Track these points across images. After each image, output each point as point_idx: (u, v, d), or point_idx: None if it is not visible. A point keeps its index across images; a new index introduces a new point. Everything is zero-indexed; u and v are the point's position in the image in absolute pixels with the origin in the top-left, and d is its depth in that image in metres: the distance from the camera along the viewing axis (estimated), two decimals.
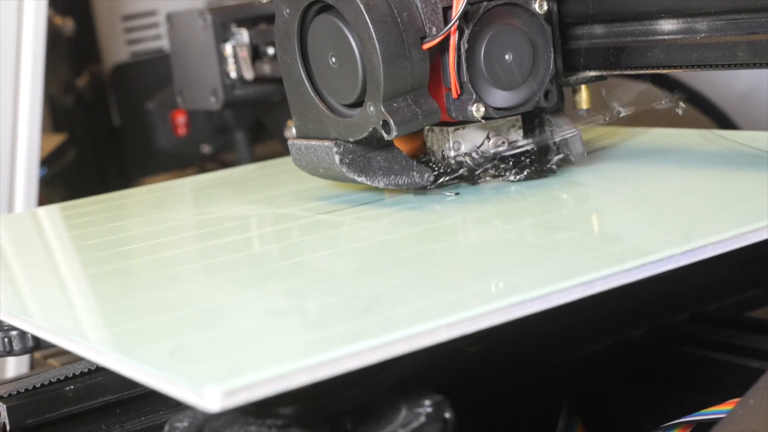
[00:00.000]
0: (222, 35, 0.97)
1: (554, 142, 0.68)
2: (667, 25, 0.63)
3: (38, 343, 0.65)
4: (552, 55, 0.65)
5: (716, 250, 0.48)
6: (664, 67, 0.63)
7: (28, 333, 0.65)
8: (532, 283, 0.45)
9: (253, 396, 0.38)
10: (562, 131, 0.68)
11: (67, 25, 1.34)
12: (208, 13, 0.97)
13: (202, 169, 1.28)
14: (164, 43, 1.33)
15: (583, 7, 0.67)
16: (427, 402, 0.46)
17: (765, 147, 0.65)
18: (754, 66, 0.59)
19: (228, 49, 0.97)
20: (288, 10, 0.66)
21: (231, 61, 0.97)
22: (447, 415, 0.45)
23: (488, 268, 0.50)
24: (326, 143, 0.66)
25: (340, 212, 0.65)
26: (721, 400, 0.53)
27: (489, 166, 0.67)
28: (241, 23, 0.96)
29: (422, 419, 0.44)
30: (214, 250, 0.61)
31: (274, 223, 0.67)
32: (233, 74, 0.97)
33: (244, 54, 0.95)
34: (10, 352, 0.65)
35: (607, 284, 0.46)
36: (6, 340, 0.65)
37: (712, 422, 0.48)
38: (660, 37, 0.63)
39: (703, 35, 0.61)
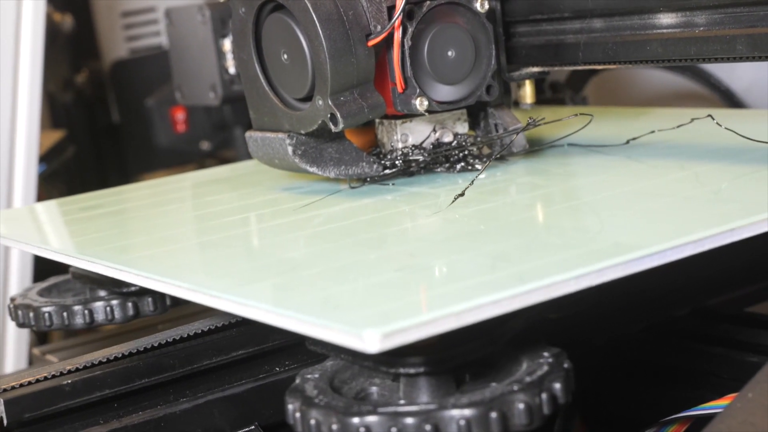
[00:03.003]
0: (221, 31, 0.97)
1: (497, 133, 0.71)
2: (666, 19, 0.63)
3: (138, 312, 0.67)
4: (493, 51, 0.68)
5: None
6: (662, 61, 0.63)
7: (128, 302, 0.68)
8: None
9: (407, 339, 0.41)
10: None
11: (66, 21, 1.34)
12: (207, 9, 0.97)
13: (202, 166, 1.28)
14: (163, 40, 1.33)
15: (581, 1, 0.67)
16: (547, 353, 0.48)
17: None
18: (753, 59, 0.59)
19: (227, 44, 0.97)
20: (243, 9, 0.69)
21: (230, 56, 0.97)
22: (566, 365, 0.47)
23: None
24: (280, 135, 0.69)
25: (433, 187, 0.67)
26: (721, 394, 0.53)
27: (421, 158, 0.70)
28: None
29: (545, 368, 0.46)
30: (317, 220, 0.63)
31: (366, 197, 0.67)
32: (232, 70, 0.97)
33: None
34: (111, 321, 0.67)
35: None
36: (108, 308, 0.67)
37: (711, 417, 0.48)
38: (658, 30, 0.63)
39: (701, 29, 0.61)
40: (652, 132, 0.71)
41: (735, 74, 1.07)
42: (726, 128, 0.66)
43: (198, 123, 1.29)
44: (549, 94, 1.05)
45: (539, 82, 1.04)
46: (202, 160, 1.33)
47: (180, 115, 1.29)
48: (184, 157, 1.35)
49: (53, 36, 1.27)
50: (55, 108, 1.36)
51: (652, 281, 0.65)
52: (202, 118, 1.28)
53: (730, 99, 1.07)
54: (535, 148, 0.74)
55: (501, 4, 0.71)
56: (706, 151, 0.67)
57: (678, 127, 0.70)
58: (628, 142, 0.71)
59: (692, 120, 0.69)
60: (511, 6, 0.72)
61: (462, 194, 0.61)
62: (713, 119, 0.67)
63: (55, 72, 1.33)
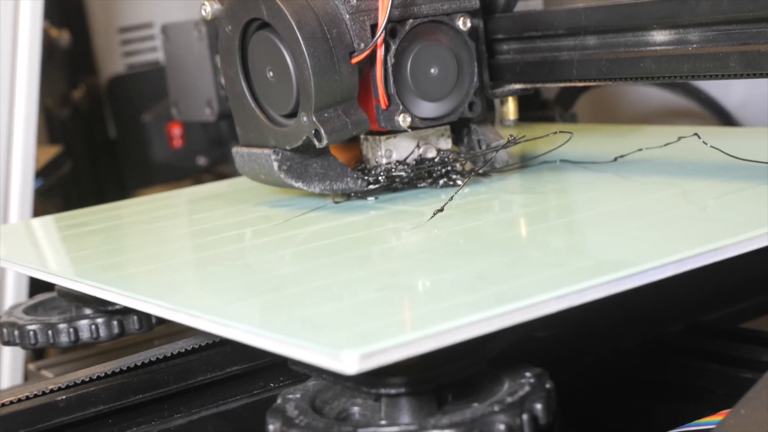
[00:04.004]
0: (217, 47, 0.97)
1: (480, 149, 0.72)
2: (659, 36, 0.63)
3: (123, 331, 0.68)
4: (476, 69, 0.69)
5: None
6: (656, 78, 0.64)
7: (113, 320, 0.68)
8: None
9: (386, 360, 0.41)
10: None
11: (63, 37, 1.35)
12: (203, 25, 0.98)
13: (198, 181, 1.28)
14: (160, 56, 1.33)
15: (575, 18, 0.67)
16: (528, 374, 0.48)
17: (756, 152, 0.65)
18: (745, 76, 0.59)
19: None
20: (230, 27, 0.70)
21: None
22: (548, 385, 0.47)
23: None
24: (266, 151, 0.70)
25: (417, 204, 0.67)
26: (715, 410, 0.53)
27: (404, 174, 0.70)
28: None
29: (527, 389, 0.46)
30: (304, 238, 0.63)
31: (351, 213, 0.68)
32: None
33: None
34: (96, 339, 0.67)
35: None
36: (93, 327, 0.68)
37: None
38: (652, 48, 0.64)
39: (694, 46, 0.61)
40: (640, 150, 0.72)
41: (728, 91, 1.08)
42: (711, 146, 0.66)
43: (194, 139, 1.29)
44: (538, 111, 1.05)
45: (530, 99, 1.04)
46: (198, 176, 1.33)
47: (176, 131, 1.29)
48: (180, 172, 1.35)
49: (50, 51, 1.28)
50: (52, 123, 1.37)
51: (646, 297, 0.65)
52: (199, 133, 1.28)
53: (723, 116, 1.08)
54: (516, 164, 0.74)
55: (484, 23, 0.72)
56: (694, 169, 0.67)
57: (665, 145, 0.70)
58: (615, 159, 0.71)
59: (679, 138, 0.69)
60: (500, 24, 0.72)
61: (441, 210, 0.62)
62: (699, 137, 0.67)
63: (52, 87, 1.33)
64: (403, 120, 0.67)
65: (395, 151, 0.71)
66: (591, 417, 0.67)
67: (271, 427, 0.47)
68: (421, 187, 0.71)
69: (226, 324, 0.47)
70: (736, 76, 0.60)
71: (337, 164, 0.69)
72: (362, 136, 0.72)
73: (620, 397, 0.67)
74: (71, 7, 1.39)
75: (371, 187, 0.70)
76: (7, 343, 0.71)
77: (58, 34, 1.34)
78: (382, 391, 0.46)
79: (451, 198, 0.64)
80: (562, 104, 1.07)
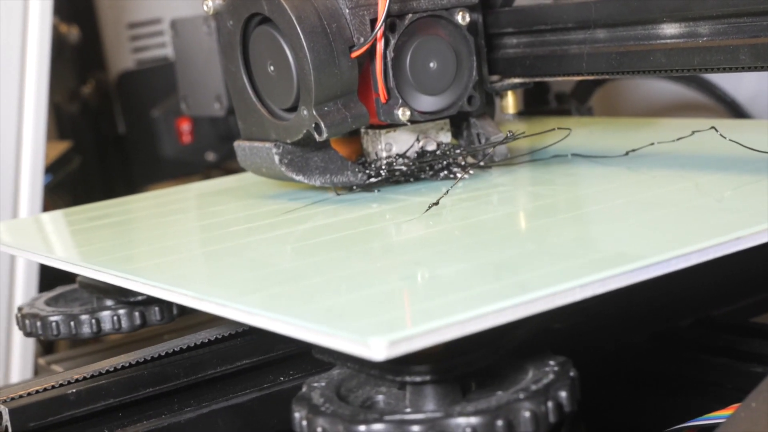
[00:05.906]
0: None
1: (479, 142, 0.72)
2: (669, 29, 0.63)
3: (145, 322, 0.68)
4: (474, 63, 0.70)
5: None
6: (666, 71, 0.64)
7: (135, 311, 0.69)
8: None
9: (414, 347, 0.41)
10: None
11: (73, 32, 1.35)
12: (212, 20, 0.98)
13: (207, 177, 1.28)
14: (169, 51, 1.33)
15: (585, 11, 0.67)
16: (552, 362, 0.48)
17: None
18: (756, 69, 0.59)
19: None
20: (231, 22, 0.71)
21: None
22: (572, 373, 0.47)
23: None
24: (267, 144, 0.71)
25: (426, 196, 0.67)
26: (725, 404, 0.52)
27: (405, 166, 0.71)
28: None
29: (551, 376, 0.47)
30: (312, 232, 0.64)
31: (357, 208, 0.68)
32: None
33: None
34: (118, 330, 0.68)
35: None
36: (115, 318, 0.68)
37: (715, 427, 0.48)
38: (662, 41, 0.63)
39: (705, 39, 0.61)
40: (652, 144, 0.71)
41: (740, 84, 1.08)
42: (730, 140, 0.66)
43: (203, 134, 1.29)
44: (554, 105, 1.05)
45: (542, 93, 1.04)
46: (207, 171, 1.33)
47: (185, 126, 1.29)
48: (189, 168, 1.35)
49: (59, 47, 1.28)
50: (61, 119, 1.37)
51: (656, 291, 0.65)
52: (208, 129, 1.28)
53: (734, 109, 1.08)
54: (514, 157, 0.74)
55: (490, 17, 0.73)
56: (708, 162, 0.67)
57: (678, 139, 0.70)
58: (627, 153, 0.71)
59: (693, 132, 0.69)
60: (510, 17, 0.73)
61: (436, 203, 0.62)
62: (717, 131, 0.67)
63: (62, 83, 1.33)
64: (403, 114, 0.68)
65: (395, 144, 0.72)
66: (600, 409, 0.67)
67: (297, 414, 0.47)
68: (422, 180, 0.71)
69: (254, 312, 0.47)
70: (746, 69, 0.60)
71: (338, 158, 0.70)
72: (362, 130, 0.73)
73: (630, 390, 0.67)
74: (80, 2, 1.39)
75: (372, 180, 0.70)
76: (29, 335, 0.71)
77: (67, 30, 1.34)
78: (407, 379, 0.47)
79: (447, 191, 0.65)
80: (578, 98, 1.07)
